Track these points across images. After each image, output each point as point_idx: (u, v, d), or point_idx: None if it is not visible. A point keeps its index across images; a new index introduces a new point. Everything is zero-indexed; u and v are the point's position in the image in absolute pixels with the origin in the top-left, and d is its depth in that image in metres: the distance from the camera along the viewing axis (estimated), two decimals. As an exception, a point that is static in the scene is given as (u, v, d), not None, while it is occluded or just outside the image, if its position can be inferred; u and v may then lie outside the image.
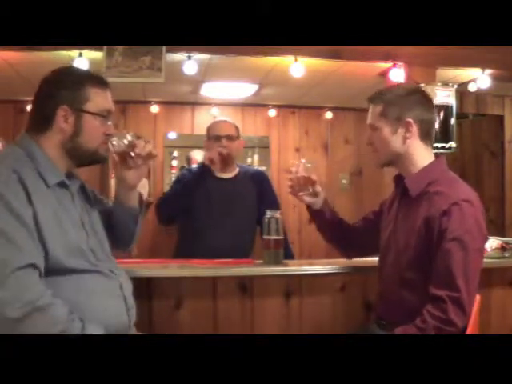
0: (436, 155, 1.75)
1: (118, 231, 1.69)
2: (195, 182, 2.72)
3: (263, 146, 4.64)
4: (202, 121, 4.30)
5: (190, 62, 3.06)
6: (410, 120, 1.68)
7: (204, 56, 3.11)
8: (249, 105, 4.56)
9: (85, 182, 1.64)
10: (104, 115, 1.52)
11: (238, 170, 2.89)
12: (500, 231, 4.13)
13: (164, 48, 2.96)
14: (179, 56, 3.06)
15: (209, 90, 4.04)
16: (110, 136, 1.55)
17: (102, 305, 1.43)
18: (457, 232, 1.54)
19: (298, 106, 4.67)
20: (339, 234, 2.01)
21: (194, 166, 3.40)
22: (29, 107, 1.55)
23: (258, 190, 2.87)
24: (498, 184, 4.61)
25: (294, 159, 4.44)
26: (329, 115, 4.67)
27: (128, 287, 1.56)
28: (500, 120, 4.61)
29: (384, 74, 3.41)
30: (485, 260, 1.73)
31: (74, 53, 2.92)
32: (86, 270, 1.42)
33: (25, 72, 3.23)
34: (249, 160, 4.53)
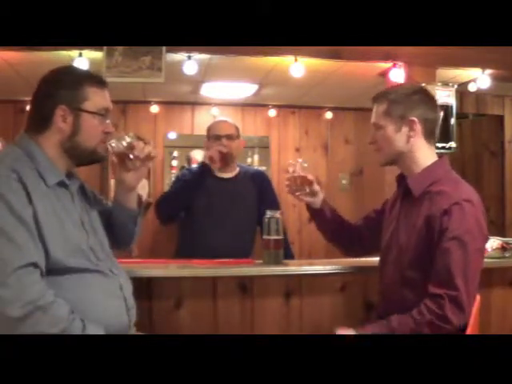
0: (439, 155, 1.75)
1: (117, 232, 1.70)
2: (195, 181, 2.72)
3: (263, 146, 4.64)
4: (202, 121, 4.30)
5: (189, 62, 3.06)
6: (414, 119, 1.68)
7: (204, 56, 3.11)
8: (249, 105, 4.56)
9: (84, 182, 1.64)
10: (102, 114, 1.52)
11: (238, 169, 2.90)
12: (500, 231, 4.13)
13: (164, 48, 2.96)
14: (179, 56, 3.06)
15: (209, 90, 4.04)
16: (108, 134, 1.55)
17: (102, 304, 1.43)
18: (457, 231, 1.54)
19: (298, 106, 4.67)
20: (340, 233, 2.01)
21: (194, 165, 3.40)
22: (28, 107, 1.55)
23: (258, 190, 2.87)
24: (498, 184, 4.61)
25: (292, 159, 4.45)
26: (329, 115, 4.67)
27: (128, 287, 1.56)
28: (500, 120, 4.61)
29: (384, 74, 3.41)
30: (485, 260, 1.73)
31: (74, 53, 2.93)
32: (86, 269, 1.42)
33: (25, 72, 3.23)
34: (249, 160, 4.53)
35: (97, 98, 1.51)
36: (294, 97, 4.35)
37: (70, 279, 1.38)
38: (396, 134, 1.70)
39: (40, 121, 1.48)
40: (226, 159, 2.71)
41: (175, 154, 4.50)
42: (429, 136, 1.72)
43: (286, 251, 2.20)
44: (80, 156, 1.52)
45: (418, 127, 1.69)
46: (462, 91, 3.88)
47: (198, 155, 4.30)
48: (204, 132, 2.91)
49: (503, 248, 2.27)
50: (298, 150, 4.73)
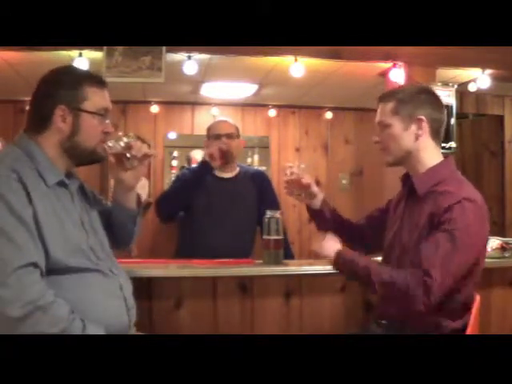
0: (445, 156, 1.76)
1: (116, 231, 1.70)
2: (195, 179, 2.72)
3: (263, 146, 4.64)
4: (202, 121, 4.30)
5: (189, 62, 3.06)
6: (422, 117, 1.69)
7: (204, 56, 3.11)
8: (249, 105, 4.56)
9: (84, 182, 1.64)
10: (102, 114, 1.52)
11: (238, 169, 2.90)
12: (500, 231, 4.13)
13: (164, 48, 2.96)
14: (179, 56, 3.06)
15: (209, 90, 4.04)
16: (108, 134, 1.55)
17: (102, 304, 1.43)
18: (451, 226, 1.55)
19: (298, 106, 4.67)
20: (340, 233, 2.01)
21: (194, 165, 3.40)
22: (28, 107, 1.55)
23: (258, 190, 2.87)
24: (498, 184, 4.61)
25: (293, 159, 4.45)
26: (329, 115, 4.67)
27: (128, 287, 1.56)
28: (500, 120, 4.61)
29: (384, 74, 3.41)
30: (485, 260, 1.73)
31: (74, 53, 2.93)
32: (86, 268, 1.42)
33: (25, 72, 3.23)
34: (249, 160, 4.52)
35: (96, 98, 1.51)
36: (294, 97, 4.35)
37: (70, 279, 1.38)
38: (404, 132, 1.70)
39: (39, 121, 1.48)
40: (226, 157, 2.71)
41: (175, 153, 4.50)
42: (435, 136, 1.73)
43: (286, 251, 2.20)
44: (79, 156, 1.52)
45: (426, 126, 1.69)
46: (462, 91, 3.88)
47: (198, 155, 4.30)
48: (204, 132, 2.91)
49: (503, 248, 2.27)
50: (298, 150, 4.73)
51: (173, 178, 3.93)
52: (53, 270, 1.35)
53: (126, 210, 1.69)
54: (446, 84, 3.48)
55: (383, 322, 1.73)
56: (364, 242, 1.98)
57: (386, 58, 3.25)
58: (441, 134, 1.76)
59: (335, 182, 4.74)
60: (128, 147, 1.59)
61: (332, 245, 1.75)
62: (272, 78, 3.67)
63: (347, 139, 4.80)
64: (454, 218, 1.55)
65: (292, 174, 1.89)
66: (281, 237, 2.09)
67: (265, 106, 4.57)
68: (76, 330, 1.30)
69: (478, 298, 1.68)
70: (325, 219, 1.98)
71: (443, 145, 3.29)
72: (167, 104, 4.43)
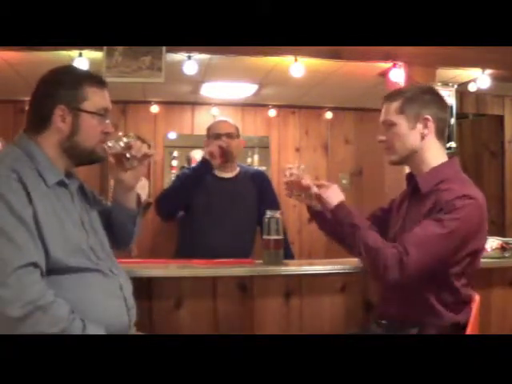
0: (449, 156, 1.77)
1: (116, 232, 1.70)
2: (195, 178, 2.72)
3: (263, 146, 4.64)
4: (202, 121, 4.30)
5: (189, 62, 3.06)
6: (428, 116, 1.70)
7: (204, 56, 3.11)
8: (249, 105, 4.56)
9: (84, 182, 1.64)
10: (101, 114, 1.52)
11: (238, 169, 2.90)
12: (500, 231, 4.13)
13: (164, 48, 2.97)
14: (179, 56, 3.07)
15: (209, 89, 4.04)
16: (108, 134, 1.55)
17: (102, 304, 1.43)
18: (445, 216, 1.56)
19: (298, 106, 4.67)
20: (344, 235, 2.01)
21: (194, 165, 3.40)
22: (27, 107, 1.54)
23: (258, 190, 2.87)
24: (498, 184, 4.61)
25: (293, 159, 4.45)
26: (329, 115, 4.67)
27: (128, 287, 1.56)
28: (500, 120, 4.61)
29: (384, 74, 3.41)
30: (485, 260, 1.74)
31: (74, 53, 2.93)
32: (86, 268, 1.42)
33: (25, 72, 3.23)
34: (249, 160, 4.53)
35: (96, 98, 1.51)
36: (294, 97, 4.35)
37: (70, 279, 1.38)
38: (410, 131, 1.71)
39: (39, 121, 1.48)
40: (226, 156, 2.71)
41: (175, 154, 4.50)
42: (440, 135, 1.74)
43: (286, 251, 2.20)
44: (79, 156, 1.52)
45: (432, 126, 1.71)
46: (462, 91, 3.88)
47: (197, 155, 4.30)
48: (204, 132, 2.92)
49: (503, 248, 2.27)
50: (298, 150, 4.73)
51: (173, 178, 3.93)
52: (53, 269, 1.35)
53: (125, 210, 1.69)
54: (446, 84, 3.48)
55: (383, 321, 1.74)
56: None
57: (386, 58, 3.26)
58: (445, 134, 1.78)
59: (335, 182, 4.71)
60: (128, 147, 1.59)
61: (337, 193, 1.79)
62: (272, 78, 3.67)
63: (347, 139, 4.80)
64: (450, 210, 1.57)
65: (292, 175, 1.89)
66: (281, 237, 2.09)
67: (265, 106, 4.57)
68: (76, 329, 1.30)
69: (477, 297, 1.68)
70: (325, 220, 1.98)
71: (443, 145, 3.31)
72: (167, 104, 4.43)
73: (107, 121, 1.54)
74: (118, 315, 1.47)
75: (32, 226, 1.32)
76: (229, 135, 2.75)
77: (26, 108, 1.55)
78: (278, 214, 2.10)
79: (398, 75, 3.27)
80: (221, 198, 2.77)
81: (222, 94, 4.17)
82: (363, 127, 4.74)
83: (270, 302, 2.10)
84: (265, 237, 2.09)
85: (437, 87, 3.26)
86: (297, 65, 3.09)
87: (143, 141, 1.63)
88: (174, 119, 4.53)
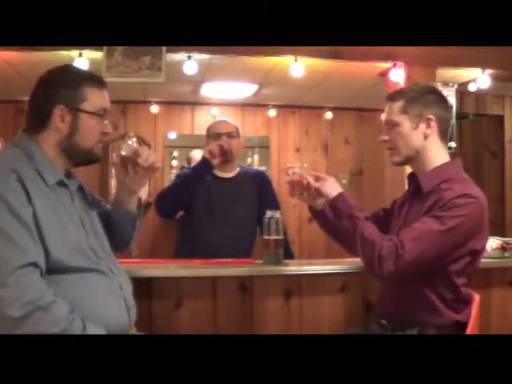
0: (452, 156, 1.77)
1: (116, 233, 1.70)
2: (195, 176, 2.72)
3: (263, 146, 4.64)
4: (201, 121, 4.30)
5: (189, 62, 3.06)
6: (431, 116, 1.71)
7: (204, 56, 3.11)
8: (249, 105, 4.56)
9: (84, 183, 1.65)
10: (100, 114, 1.52)
11: (238, 169, 2.90)
12: (500, 231, 4.13)
13: (164, 48, 2.96)
14: (179, 56, 3.06)
15: (209, 90, 4.04)
16: (106, 134, 1.55)
17: (102, 304, 1.43)
18: (444, 213, 1.57)
19: (298, 105, 4.67)
20: (343, 233, 2.01)
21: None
22: (27, 106, 1.54)
23: (258, 190, 2.87)
24: (498, 184, 4.61)
25: (293, 159, 4.45)
26: (329, 115, 4.67)
27: (128, 287, 1.56)
28: (500, 120, 4.61)
29: (384, 74, 3.41)
30: (485, 260, 1.74)
31: (74, 53, 2.93)
32: (86, 268, 1.42)
33: (25, 72, 3.23)
34: (249, 160, 4.53)
35: (95, 99, 1.51)
36: (294, 97, 4.35)
37: (70, 278, 1.38)
38: (413, 131, 1.71)
39: (38, 120, 1.48)
40: (226, 155, 2.71)
41: (175, 154, 4.50)
42: (443, 136, 1.75)
43: (286, 251, 2.20)
44: (78, 156, 1.52)
45: (435, 126, 1.71)
46: (462, 91, 3.88)
47: (197, 155, 4.29)
48: (204, 132, 2.92)
49: (503, 248, 2.27)
50: (298, 150, 4.73)
51: (173, 178, 3.94)
52: (53, 269, 1.35)
53: (126, 212, 1.70)
54: (446, 84, 3.48)
55: (383, 322, 1.74)
56: None
57: (386, 58, 3.25)
58: (448, 134, 1.79)
59: (335, 181, 4.73)
60: (136, 155, 1.61)
61: (335, 185, 1.79)
62: (272, 78, 3.67)
63: (347, 139, 4.80)
64: (451, 208, 1.57)
65: (294, 174, 1.89)
66: (281, 237, 2.09)
67: (265, 106, 4.57)
68: (76, 329, 1.30)
69: (477, 297, 1.68)
70: (327, 220, 1.98)
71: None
72: (167, 104, 4.43)
73: (106, 121, 1.54)
74: (118, 315, 1.47)
75: (32, 225, 1.32)
76: (229, 135, 2.76)
77: (26, 108, 1.55)
78: (278, 214, 2.10)
79: (398, 75, 3.26)
80: (221, 198, 2.77)
81: (222, 94, 4.17)
82: (363, 127, 4.73)
83: (270, 302, 2.10)
84: (265, 237, 2.09)
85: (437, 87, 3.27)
86: (297, 65, 3.09)
87: (143, 141, 1.64)
88: (174, 119, 4.53)
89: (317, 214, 1.98)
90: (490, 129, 4.74)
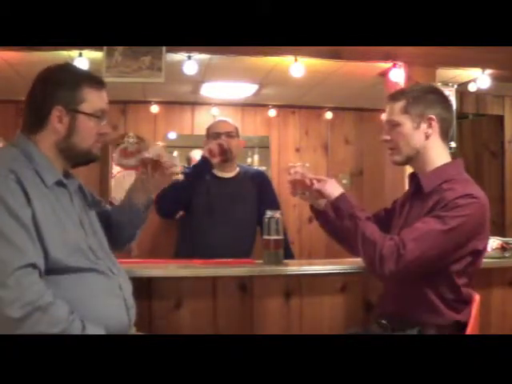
0: (453, 157, 1.77)
1: (116, 232, 1.70)
2: (195, 176, 2.72)
3: (263, 146, 4.64)
4: (202, 121, 4.30)
5: (189, 62, 3.06)
6: (432, 116, 1.71)
7: (204, 56, 3.11)
8: (249, 105, 4.56)
9: (84, 183, 1.65)
10: (98, 116, 1.51)
11: (238, 169, 2.90)
12: (500, 231, 4.13)
13: (164, 48, 2.96)
14: (179, 56, 3.06)
15: (209, 89, 4.04)
16: (103, 135, 1.55)
17: (102, 304, 1.43)
18: (446, 213, 1.57)
19: (298, 105, 4.67)
20: (344, 233, 2.01)
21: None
22: (24, 106, 1.53)
23: (258, 190, 2.87)
24: (498, 184, 4.61)
25: (293, 159, 4.45)
26: (329, 115, 4.67)
27: (127, 287, 1.55)
28: (500, 120, 4.61)
29: (384, 74, 3.41)
30: (485, 260, 1.74)
31: (74, 53, 2.93)
32: (85, 268, 1.42)
33: (25, 72, 3.22)
34: (249, 160, 4.52)
35: (94, 100, 1.50)
36: (294, 97, 4.35)
37: (70, 279, 1.38)
38: (414, 131, 1.71)
39: (36, 120, 1.47)
40: (226, 154, 2.71)
41: (175, 154, 4.49)
42: (444, 136, 1.74)
43: (286, 251, 2.20)
44: (75, 157, 1.52)
45: (436, 125, 1.71)
46: (462, 91, 3.88)
47: (197, 155, 4.29)
48: (204, 132, 2.92)
49: (503, 248, 2.27)
50: (298, 150, 4.72)
51: (173, 178, 3.93)
52: (52, 269, 1.35)
53: (133, 209, 1.71)
54: (446, 84, 3.48)
55: (383, 322, 1.74)
56: None
57: (386, 58, 3.25)
58: (449, 135, 1.78)
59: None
60: (160, 158, 1.65)
61: (336, 186, 1.79)
62: (272, 78, 3.67)
63: (347, 139, 4.80)
64: (453, 208, 1.57)
65: (296, 173, 1.89)
66: (281, 237, 2.09)
67: (265, 106, 4.57)
68: (75, 330, 1.30)
69: (477, 297, 1.68)
70: (328, 220, 1.98)
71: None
72: (167, 104, 4.43)
73: (103, 122, 1.54)
74: (117, 315, 1.47)
75: (31, 226, 1.31)
76: (228, 134, 2.76)
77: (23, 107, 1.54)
78: (278, 214, 2.10)
79: (398, 75, 3.26)
80: (221, 198, 2.77)
81: (222, 94, 4.17)
82: (363, 127, 4.73)
83: (270, 302, 2.10)
84: (265, 237, 2.09)
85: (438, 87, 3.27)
86: (297, 65, 3.09)
87: (143, 140, 1.64)
88: (174, 119, 4.53)
89: (318, 214, 1.98)
90: (490, 129, 4.74)
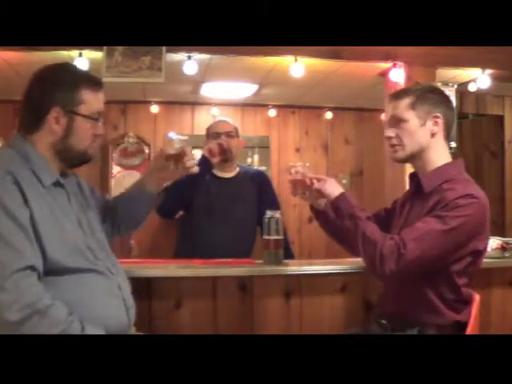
0: (454, 157, 1.77)
1: (127, 214, 1.75)
2: (195, 175, 2.72)
3: (263, 146, 4.63)
4: (202, 121, 4.29)
5: (189, 62, 3.06)
6: (438, 115, 1.71)
7: (204, 56, 3.10)
8: (249, 105, 4.55)
9: (81, 179, 1.64)
10: (96, 118, 1.51)
11: (238, 169, 2.90)
12: (500, 231, 4.13)
13: (164, 48, 2.96)
14: (179, 56, 3.06)
15: (209, 89, 4.03)
16: (98, 136, 1.54)
17: (101, 304, 1.43)
18: (447, 213, 1.57)
19: (298, 105, 4.66)
20: (344, 233, 2.01)
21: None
22: (21, 105, 1.52)
23: (258, 190, 2.87)
24: (498, 184, 4.61)
25: (293, 159, 4.45)
26: (329, 115, 4.66)
27: (126, 287, 1.55)
28: (500, 120, 4.61)
29: (384, 74, 3.40)
30: (485, 260, 1.74)
31: (74, 53, 2.92)
32: (84, 269, 1.42)
33: (25, 72, 3.20)
34: (249, 160, 4.52)
35: (92, 102, 1.49)
36: (294, 97, 4.35)
37: (69, 279, 1.38)
38: (420, 128, 1.71)
39: (33, 120, 1.47)
40: (225, 154, 2.72)
41: (185, 137, 4.48)
42: (447, 135, 1.76)
43: (286, 251, 2.20)
44: (72, 158, 1.51)
45: (441, 124, 1.72)
46: (462, 91, 3.88)
47: (197, 155, 4.30)
48: (204, 132, 2.92)
49: (503, 248, 2.27)
50: (298, 150, 4.72)
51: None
52: (51, 270, 1.34)
53: (145, 193, 1.75)
54: (446, 84, 3.48)
55: (383, 322, 1.74)
56: None
57: (386, 58, 3.25)
58: (451, 135, 1.79)
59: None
60: (183, 153, 1.70)
61: (336, 186, 1.79)
62: (272, 78, 3.67)
63: (347, 139, 4.79)
64: (453, 208, 1.57)
65: (297, 173, 1.89)
66: (281, 237, 2.09)
67: (265, 106, 4.56)
68: (75, 331, 1.29)
69: (477, 297, 1.68)
70: (328, 219, 1.98)
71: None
72: (167, 104, 4.42)
73: (99, 123, 1.54)
74: (116, 315, 1.47)
75: (29, 228, 1.31)
76: (228, 134, 2.76)
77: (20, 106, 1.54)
78: (278, 214, 2.10)
79: (398, 75, 3.26)
80: (221, 198, 2.77)
81: (222, 94, 4.17)
82: (363, 127, 4.73)
83: (270, 302, 2.10)
84: (265, 237, 2.10)
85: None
86: (297, 65, 3.09)
87: (143, 141, 1.64)
88: (174, 119, 4.53)
89: (318, 214, 1.98)
90: (490, 129, 4.74)
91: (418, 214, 1.68)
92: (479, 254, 1.66)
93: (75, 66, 1.65)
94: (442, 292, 1.63)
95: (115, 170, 4.24)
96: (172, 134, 1.85)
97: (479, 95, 4.35)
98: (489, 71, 3.50)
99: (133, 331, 1.56)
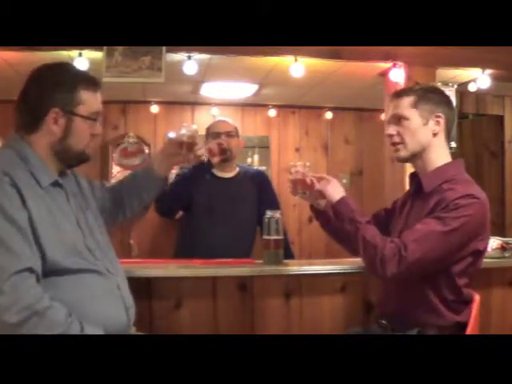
0: (454, 157, 1.77)
1: (134, 195, 1.76)
2: (195, 175, 2.73)
3: (263, 146, 4.63)
4: (202, 121, 4.28)
5: (189, 62, 3.05)
6: (440, 114, 1.72)
7: (204, 56, 3.10)
8: (249, 105, 4.55)
9: (80, 175, 1.65)
10: (94, 118, 1.51)
11: (238, 169, 2.90)
12: (500, 231, 4.13)
13: (164, 48, 2.96)
14: (179, 56, 3.06)
15: (209, 90, 4.03)
16: (95, 136, 1.54)
17: (100, 304, 1.42)
18: (447, 214, 1.57)
19: (298, 105, 4.66)
20: (344, 234, 2.01)
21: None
22: (18, 105, 1.52)
23: (258, 190, 2.87)
24: (498, 184, 4.60)
25: (294, 159, 4.44)
26: (329, 115, 4.66)
27: (125, 287, 1.55)
28: (500, 120, 4.61)
29: (384, 74, 3.40)
30: (485, 260, 1.74)
31: (73, 53, 2.92)
32: (83, 269, 1.41)
33: (25, 72, 3.20)
34: (249, 160, 4.52)
35: (90, 102, 1.49)
36: (294, 97, 4.35)
37: (68, 280, 1.38)
38: (422, 127, 1.72)
39: (31, 120, 1.47)
40: (225, 153, 2.72)
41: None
42: (447, 136, 1.76)
43: (286, 251, 2.20)
44: (70, 158, 1.51)
45: (443, 124, 1.72)
46: (462, 91, 3.88)
47: (197, 155, 4.30)
48: (204, 132, 2.91)
49: (503, 248, 2.27)
50: (297, 150, 4.72)
51: (173, 177, 3.93)
52: (50, 271, 1.34)
53: (154, 176, 1.78)
54: (446, 84, 3.48)
55: (384, 322, 1.74)
56: None
57: (386, 58, 3.25)
58: (451, 135, 1.79)
59: (335, 182, 4.72)
60: (194, 140, 1.77)
61: (337, 188, 1.80)
62: (272, 78, 3.67)
63: (347, 139, 4.79)
64: (453, 209, 1.57)
65: (297, 172, 1.88)
66: (281, 237, 2.09)
67: (265, 106, 4.56)
68: (74, 332, 1.29)
69: (477, 297, 1.68)
70: (328, 219, 1.97)
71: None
72: (167, 104, 4.42)
73: (97, 123, 1.53)
74: (116, 315, 1.47)
75: (27, 229, 1.31)
76: (228, 134, 2.76)
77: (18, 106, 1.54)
78: (277, 214, 2.10)
79: (398, 75, 3.26)
80: (221, 197, 2.77)
81: (222, 94, 4.17)
82: (363, 127, 4.73)
83: (270, 302, 2.10)
84: (265, 237, 2.10)
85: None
86: (297, 65, 3.09)
87: (143, 141, 1.65)
88: (174, 119, 4.52)
89: (318, 214, 1.98)
90: (490, 129, 4.73)
91: (418, 214, 1.68)
92: (479, 254, 1.66)
93: (73, 66, 1.63)
94: (443, 293, 1.63)
95: (115, 169, 4.24)
96: (172, 135, 1.87)
97: (479, 95, 4.35)
98: (489, 71, 3.50)
99: (133, 331, 1.56)
